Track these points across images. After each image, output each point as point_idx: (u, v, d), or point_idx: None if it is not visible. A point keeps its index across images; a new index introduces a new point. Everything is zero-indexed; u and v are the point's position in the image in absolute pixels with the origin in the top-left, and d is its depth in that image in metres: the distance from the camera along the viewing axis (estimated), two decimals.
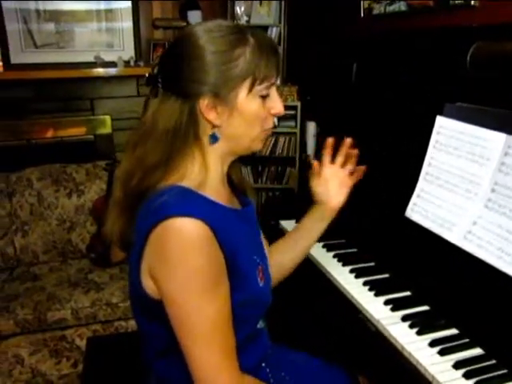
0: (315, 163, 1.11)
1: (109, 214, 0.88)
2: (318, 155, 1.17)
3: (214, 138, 0.83)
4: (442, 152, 1.26)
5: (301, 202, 1.19)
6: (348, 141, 1.10)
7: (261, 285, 0.89)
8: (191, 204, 0.77)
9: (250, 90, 0.80)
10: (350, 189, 1.12)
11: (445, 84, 1.34)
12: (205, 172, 0.82)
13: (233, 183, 0.96)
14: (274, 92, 0.85)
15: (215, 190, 0.85)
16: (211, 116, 0.81)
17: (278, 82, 0.95)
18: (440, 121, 1.28)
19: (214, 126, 0.82)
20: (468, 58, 1.18)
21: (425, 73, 1.45)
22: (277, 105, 0.85)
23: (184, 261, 0.73)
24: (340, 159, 1.11)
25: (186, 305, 0.75)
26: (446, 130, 1.26)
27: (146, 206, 0.79)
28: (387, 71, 1.63)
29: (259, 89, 0.81)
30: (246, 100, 0.81)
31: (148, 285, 0.79)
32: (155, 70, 0.84)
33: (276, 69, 0.83)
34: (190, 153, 0.82)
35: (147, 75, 0.85)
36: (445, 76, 1.36)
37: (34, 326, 1.84)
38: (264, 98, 0.83)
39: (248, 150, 0.88)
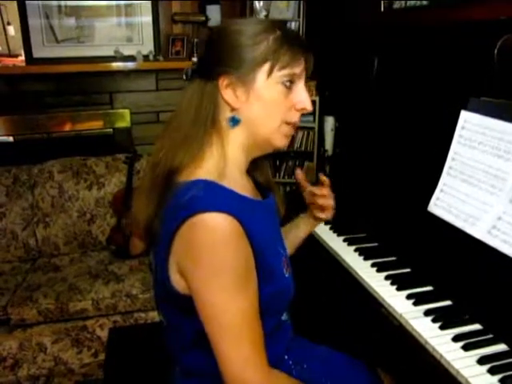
0: (297, 172, 1.13)
1: (134, 202, 0.89)
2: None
3: (233, 121, 0.83)
4: (466, 147, 1.25)
5: None
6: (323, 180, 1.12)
7: (286, 275, 0.89)
8: (220, 198, 0.77)
9: (269, 74, 0.80)
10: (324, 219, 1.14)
11: (469, 78, 1.33)
12: (224, 160, 0.82)
13: (253, 176, 0.96)
14: (300, 86, 0.84)
15: (235, 180, 0.85)
16: (229, 96, 0.81)
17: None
18: (464, 115, 1.26)
19: (232, 109, 0.83)
20: (496, 52, 1.17)
21: (449, 67, 1.43)
22: (303, 99, 0.84)
23: (214, 256, 0.73)
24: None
25: (215, 300, 0.75)
26: (470, 124, 1.25)
27: (174, 201, 0.79)
28: (410, 65, 1.61)
29: (279, 75, 0.81)
30: (264, 84, 0.81)
31: (176, 280, 0.80)
32: (194, 67, 0.86)
33: (302, 61, 0.83)
34: (208, 139, 0.83)
35: (185, 70, 0.87)
36: (469, 70, 1.34)
37: (56, 315, 1.89)
38: (288, 87, 0.82)
39: (269, 143, 0.87)
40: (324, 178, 1.10)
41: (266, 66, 0.80)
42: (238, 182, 0.86)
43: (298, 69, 0.83)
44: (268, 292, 0.82)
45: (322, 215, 1.11)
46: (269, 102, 0.82)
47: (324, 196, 1.09)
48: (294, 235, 1.16)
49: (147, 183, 0.86)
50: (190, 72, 0.86)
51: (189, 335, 0.86)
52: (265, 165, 0.95)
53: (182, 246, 0.76)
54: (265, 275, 0.81)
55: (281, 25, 0.83)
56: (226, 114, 0.83)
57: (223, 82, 0.81)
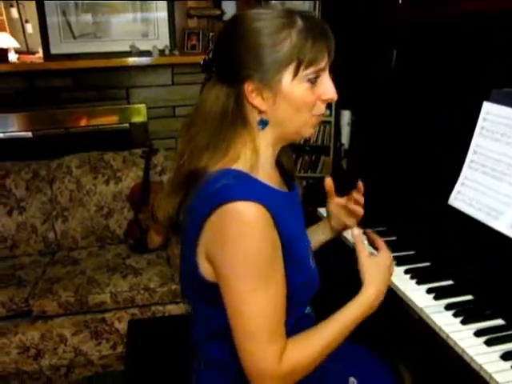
0: (327, 180, 1.09)
1: (156, 200, 0.90)
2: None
3: (262, 124, 0.83)
4: (488, 139, 1.23)
5: (335, 190, 1.19)
6: (360, 186, 1.08)
7: (313, 266, 0.90)
8: (250, 188, 0.78)
9: (295, 74, 0.78)
10: (352, 225, 1.11)
11: (492, 69, 1.30)
12: (256, 155, 0.82)
13: (281, 167, 0.96)
14: (325, 77, 0.82)
15: (266, 173, 0.86)
16: (256, 101, 0.80)
17: None
18: (487, 107, 1.24)
19: (260, 112, 0.82)
20: None
21: (470, 58, 1.40)
22: (328, 90, 0.82)
23: (240, 243, 0.74)
24: (349, 198, 1.09)
25: (240, 288, 0.75)
26: (492, 116, 1.22)
27: (204, 189, 0.79)
28: (429, 57, 1.59)
29: (306, 73, 0.79)
30: (291, 85, 0.79)
31: (205, 268, 0.80)
32: (210, 55, 0.85)
33: (326, 53, 0.80)
34: (240, 137, 0.83)
35: (202, 61, 0.86)
36: (492, 61, 1.32)
37: (76, 307, 1.92)
38: (313, 82, 0.81)
39: (298, 135, 0.87)
40: (360, 184, 1.08)
41: (292, 67, 0.78)
42: (268, 175, 0.87)
43: (323, 62, 0.80)
44: (296, 282, 0.82)
45: (349, 221, 1.10)
46: (296, 101, 0.81)
47: (357, 202, 1.08)
48: (315, 238, 1.15)
49: (171, 184, 0.88)
50: (206, 66, 0.85)
51: (216, 325, 0.86)
52: (287, 147, 0.94)
53: (212, 233, 0.77)
54: (294, 265, 0.81)
55: (299, 11, 0.80)
56: (254, 115, 0.83)
57: (248, 87, 0.79)
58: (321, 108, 0.84)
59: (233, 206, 0.73)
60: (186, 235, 0.83)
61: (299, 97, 0.80)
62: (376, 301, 0.90)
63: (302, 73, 0.79)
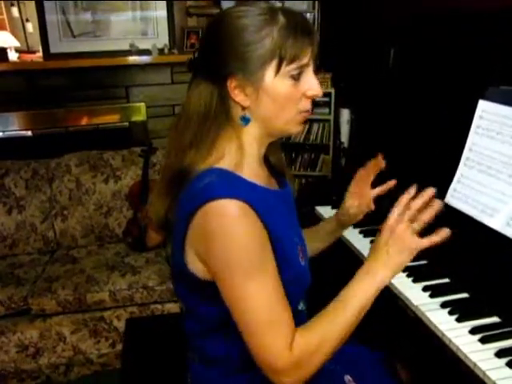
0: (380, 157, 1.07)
1: (150, 203, 0.92)
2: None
3: (244, 120, 0.83)
4: (484, 137, 1.23)
5: (334, 188, 1.19)
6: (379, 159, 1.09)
7: (302, 264, 0.89)
8: (234, 186, 0.78)
9: (278, 70, 0.79)
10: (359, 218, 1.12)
11: (487, 67, 1.30)
12: (241, 153, 0.83)
13: (270, 164, 0.96)
14: (309, 73, 0.82)
15: (252, 170, 0.86)
16: (239, 98, 0.81)
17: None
18: (482, 105, 1.24)
19: (244, 108, 0.82)
20: None
21: (466, 56, 1.40)
22: (313, 86, 0.82)
23: (227, 239, 0.74)
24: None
25: (232, 284, 0.75)
26: (488, 114, 1.22)
27: (189, 188, 0.80)
28: (426, 55, 1.59)
29: (288, 69, 0.79)
30: (273, 81, 0.79)
31: (195, 266, 0.81)
32: (196, 55, 0.85)
33: (309, 49, 0.80)
34: (225, 134, 0.83)
35: (187, 61, 0.86)
36: (487, 59, 1.32)
37: (74, 306, 1.92)
38: (296, 79, 0.81)
39: (284, 132, 0.87)
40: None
41: (274, 63, 0.78)
42: (255, 173, 0.87)
43: (306, 58, 0.80)
44: (282, 279, 0.82)
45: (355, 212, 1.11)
46: (279, 98, 0.81)
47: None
48: (324, 234, 1.16)
49: (160, 185, 0.89)
50: (192, 65, 0.85)
51: (210, 322, 0.86)
52: (276, 143, 0.95)
53: (197, 232, 0.77)
54: (279, 262, 0.81)
55: (282, 8, 0.80)
56: (238, 112, 0.83)
57: (231, 83, 0.80)
58: (306, 105, 0.84)
59: (215, 203, 0.74)
60: (175, 234, 0.84)
61: (282, 93, 0.80)
62: (387, 281, 0.87)
63: (285, 69, 0.79)
